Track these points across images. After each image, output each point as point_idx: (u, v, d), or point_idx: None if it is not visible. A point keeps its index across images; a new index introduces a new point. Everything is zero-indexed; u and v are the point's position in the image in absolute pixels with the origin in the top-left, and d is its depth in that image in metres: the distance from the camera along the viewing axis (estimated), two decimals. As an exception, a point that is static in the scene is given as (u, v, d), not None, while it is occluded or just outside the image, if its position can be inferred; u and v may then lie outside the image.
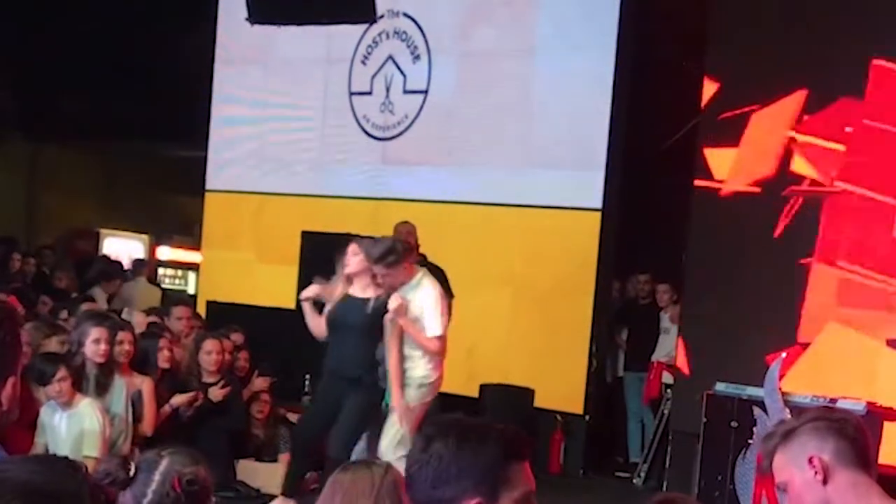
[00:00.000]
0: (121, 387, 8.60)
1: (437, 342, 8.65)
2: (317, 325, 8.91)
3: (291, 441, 9.43)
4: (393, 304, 8.53)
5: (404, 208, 12.32)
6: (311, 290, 9.01)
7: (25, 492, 1.56)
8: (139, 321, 10.56)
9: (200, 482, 3.22)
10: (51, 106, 16.92)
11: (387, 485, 3.34)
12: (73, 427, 7.79)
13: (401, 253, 8.73)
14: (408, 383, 8.68)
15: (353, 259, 8.80)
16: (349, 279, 8.82)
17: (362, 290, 8.78)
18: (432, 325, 8.65)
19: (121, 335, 8.88)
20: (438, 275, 10.72)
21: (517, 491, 2.66)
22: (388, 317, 8.58)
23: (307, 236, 12.24)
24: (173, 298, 14.39)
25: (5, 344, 2.45)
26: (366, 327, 8.70)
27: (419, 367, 8.70)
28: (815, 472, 3.13)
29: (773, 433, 3.32)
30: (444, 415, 2.86)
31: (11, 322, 2.48)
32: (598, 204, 11.98)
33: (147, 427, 8.84)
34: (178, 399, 9.40)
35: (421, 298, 8.67)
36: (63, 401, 7.87)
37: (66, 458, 1.69)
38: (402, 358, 8.61)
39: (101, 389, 8.44)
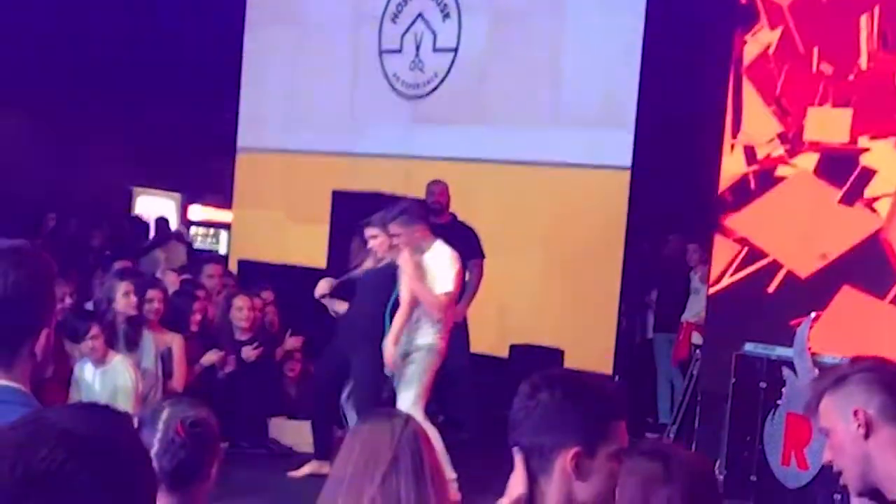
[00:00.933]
0: (150, 342, 8.64)
1: (444, 298, 8.60)
2: (343, 308, 9.09)
3: (311, 401, 9.52)
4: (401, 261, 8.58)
5: (435, 167, 12.28)
6: (323, 287, 9.18)
7: (69, 439, 1.55)
8: (171, 280, 10.60)
9: (204, 425, 3.23)
10: (84, 62, 16.90)
11: (407, 435, 3.31)
12: (107, 383, 7.85)
13: (414, 213, 8.75)
14: (416, 349, 8.66)
15: (375, 241, 8.85)
16: (379, 260, 8.89)
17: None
18: (443, 281, 8.62)
19: (151, 293, 8.91)
20: (469, 234, 10.72)
21: (613, 446, 2.78)
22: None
23: (338, 195, 12.21)
24: (204, 257, 14.45)
25: (40, 296, 2.44)
26: (378, 287, 8.81)
27: (427, 335, 8.67)
28: (859, 426, 3.11)
29: (824, 376, 3.31)
30: (553, 367, 2.93)
31: (46, 274, 2.47)
32: (628, 163, 11.91)
33: (177, 383, 8.87)
34: (208, 358, 9.45)
35: (434, 258, 8.64)
36: (96, 358, 7.93)
37: (107, 406, 1.67)
38: (409, 318, 8.58)
39: (132, 345, 8.48)
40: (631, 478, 3.09)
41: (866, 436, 3.12)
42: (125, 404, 7.70)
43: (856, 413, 3.12)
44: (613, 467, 2.81)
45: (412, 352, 8.63)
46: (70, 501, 1.49)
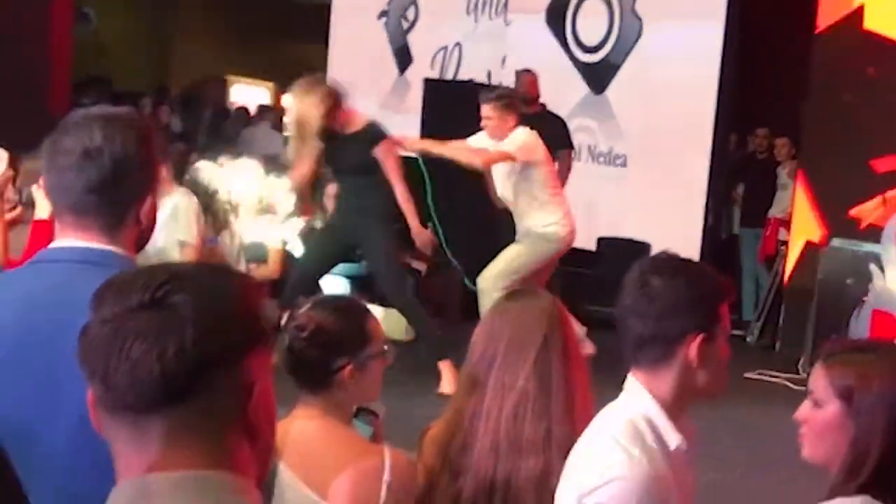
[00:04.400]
0: (234, 227, 8.64)
1: (494, 155, 8.36)
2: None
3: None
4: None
5: (524, 57, 12.10)
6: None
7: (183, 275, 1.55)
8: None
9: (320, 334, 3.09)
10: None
11: (556, 314, 3.25)
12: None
13: (513, 103, 8.57)
14: (527, 234, 8.58)
15: (490, 123, 8.47)
16: None
17: None
18: (507, 144, 8.37)
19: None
20: (559, 125, 10.58)
21: (726, 326, 2.76)
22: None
23: (430, 84, 12.09)
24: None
25: (146, 161, 2.39)
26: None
27: (545, 221, 8.55)
28: None
29: None
30: (657, 254, 2.85)
31: (150, 142, 2.41)
32: (717, 56, 11.62)
33: (273, 269, 8.88)
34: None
35: (515, 134, 8.43)
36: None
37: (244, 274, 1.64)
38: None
39: (223, 226, 8.49)
40: None
41: None
42: (185, 234, 7.65)
43: None
44: (725, 348, 2.76)
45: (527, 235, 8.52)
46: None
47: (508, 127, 8.41)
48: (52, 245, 2.41)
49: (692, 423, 2.85)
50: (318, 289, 8.25)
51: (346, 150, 8.10)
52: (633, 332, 2.74)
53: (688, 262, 2.83)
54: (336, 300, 3.16)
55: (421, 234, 8.33)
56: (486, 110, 8.42)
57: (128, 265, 2.27)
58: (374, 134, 8.16)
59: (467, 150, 8.45)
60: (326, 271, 8.62)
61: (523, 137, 8.38)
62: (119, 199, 2.35)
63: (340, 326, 3.01)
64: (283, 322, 3.06)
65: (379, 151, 8.09)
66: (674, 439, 2.71)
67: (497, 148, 8.39)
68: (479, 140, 8.55)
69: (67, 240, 2.35)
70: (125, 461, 1.55)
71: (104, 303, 1.53)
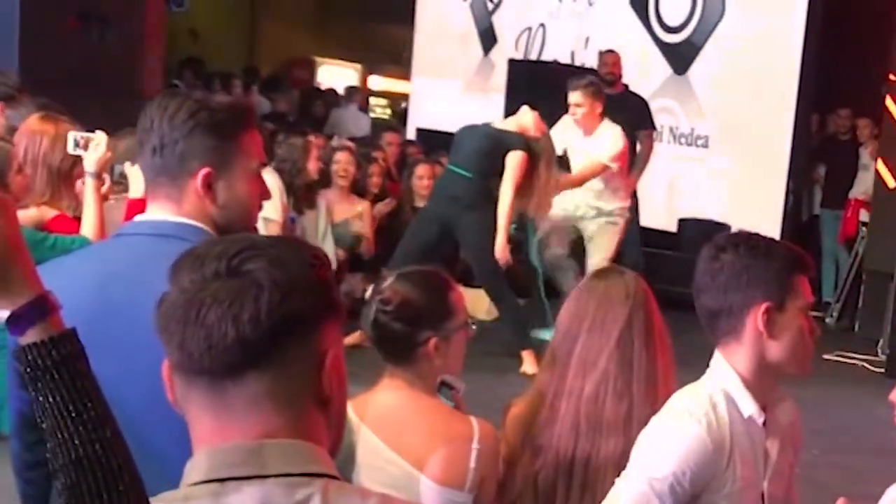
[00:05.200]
0: (323, 207, 8.69)
1: (595, 171, 8.49)
2: None
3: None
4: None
5: (607, 37, 12.05)
6: None
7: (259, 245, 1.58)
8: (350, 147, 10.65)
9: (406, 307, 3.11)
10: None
11: (640, 293, 3.22)
12: None
13: (601, 86, 8.63)
14: (606, 214, 8.68)
15: (581, 110, 8.52)
16: None
17: None
18: (605, 150, 8.47)
19: (338, 155, 8.95)
20: (641, 105, 10.53)
21: (801, 300, 2.75)
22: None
23: (514, 64, 12.07)
24: (383, 125, 14.49)
25: (229, 139, 2.37)
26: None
27: (616, 200, 8.72)
28: None
29: None
30: (733, 231, 2.87)
31: (246, 120, 2.41)
32: (799, 36, 11.49)
33: (368, 247, 8.93)
34: (379, 209, 9.49)
35: (602, 143, 8.52)
36: None
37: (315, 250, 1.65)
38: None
39: (310, 204, 8.55)
40: None
41: None
42: (271, 212, 7.73)
43: None
44: (803, 323, 2.75)
45: (601, 216, 8.63)
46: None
47: (596, 115, 8.53)
48: (136, 218, 2.45)
49: (790, 407, 2.89)
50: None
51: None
52: (705, 307, 2.77)
53: (758, 236, 2.81)
54: (420, 273, 3.14)
55: (503, 251, 8.24)
56: (577, 97, 8.48)
57: (205, 237, 2.28)
58: (519, 145, 8.13)
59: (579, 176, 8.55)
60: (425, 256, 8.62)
61: (619, 145, 8.51)
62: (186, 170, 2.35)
63: (424, 300, 3.01)
64: (367, 295, 3.09)
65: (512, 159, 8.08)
66: (748, 408, 2.73)
67: (585, 146, 8.51)
68: (563, 127, 8.63)
69: (152, 213, 2.38)
70: (201, 428, 1.57)
71: (182, 272, 1.56)
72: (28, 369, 1.60)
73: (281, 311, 1.52)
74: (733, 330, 2.74)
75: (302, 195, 8.58)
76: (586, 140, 8.59)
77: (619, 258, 8.67)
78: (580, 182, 8.55)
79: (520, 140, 8.08)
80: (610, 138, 8.52)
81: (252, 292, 1.52)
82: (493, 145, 8.11)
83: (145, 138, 2.35)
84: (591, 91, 8.53)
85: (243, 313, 1.51)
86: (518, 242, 9.11)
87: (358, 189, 9.30)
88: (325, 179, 8.92)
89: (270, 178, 7.83)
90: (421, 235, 8.37)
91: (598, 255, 8.52)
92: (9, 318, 1.60)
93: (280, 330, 1.53)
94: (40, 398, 1.60)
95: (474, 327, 3.14)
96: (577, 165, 8.61)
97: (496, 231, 8.06)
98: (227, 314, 1.51)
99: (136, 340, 1.91)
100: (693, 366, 2.95)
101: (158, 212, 2.36)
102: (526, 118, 8.27)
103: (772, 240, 2.84)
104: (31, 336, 1.60)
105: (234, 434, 1.55)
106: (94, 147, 4.49)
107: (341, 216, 9.06)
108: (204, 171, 2.33)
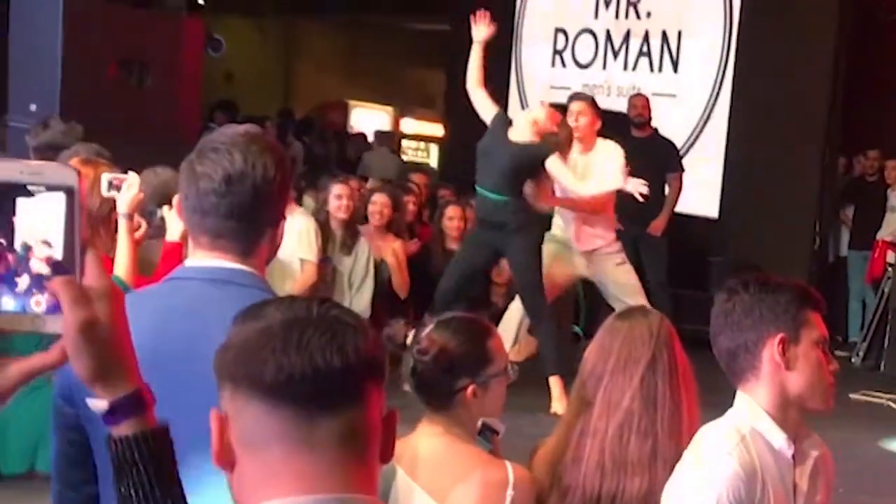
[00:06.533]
0: (365, 247, 8.71)
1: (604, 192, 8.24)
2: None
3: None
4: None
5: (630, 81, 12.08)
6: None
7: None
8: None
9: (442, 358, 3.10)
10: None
11: (664, 334, 3.24)
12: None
13: (595, 103, 8.46)
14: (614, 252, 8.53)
15: (584, 120, 8.30)
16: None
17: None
18: (612, 177, 8.14)
19: (376, 196, 8.99)
20: (670, 148, 10.55)
21: (815, 332, 2.77)
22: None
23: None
24: (412, 167, 14.55)
25: (282, 187, 2.38)
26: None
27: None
28: None
29: None
30: (742, 272, 2.91)
31: (286, 165, 2.40)
32: (828, 77, 11.48)
33: (401, 288, 8.94)
34: (409, 248, 9.51)
35: (606, 157, 8.26)
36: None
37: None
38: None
39: (345, 248, 8.59)
40: None
41: None
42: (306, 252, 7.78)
43: None
44: (819, 356, 2.77)
45: (610, 255, 8.45)
46: None
47: (595, 130, 8.35)
48: (185, 263, 2.44)
49: (818, 441, 2.89)
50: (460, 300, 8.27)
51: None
52: (722, 349, 2.80)
53: (767, 275, 2.86)
54: (459, 320, 3.14)
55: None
56: (579, 105, 8.32)
57: (258, 283, 2.32)
58: (546, 151, 8.00)
59: (591, 199, 8.29)
60: (470, 285, 8.64)
61: (622, 158, 8.25)
62: (257, 224, 2.35)
63: (463, 348, 3.03)
64: (408, 341, 3.11)
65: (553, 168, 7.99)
66: (777, 440, 2.75)
67: (584, 162, 8.27)
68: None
69: (200, 258, 2.36)
70: (272, 464, 1.52)
71: (268, 309, 1.56)
72: (115, 460, 1.61)
73: (372, 352, 1.54)
74: (751, 367, 2.76)
75: (341, 237, 8.61)
76: (585, 156, 8.31)
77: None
78: (593, 207, 8.35)
79: (544, 147, 7.92)
80: (614, 152, 8.27)
81: (350, 329, 1.53)
82: (520, 163, 7.97)
83: (210, 186, 2.32)
84: (592, 103, 8.40)
85: (347, 344, 1.51)
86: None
87: (392, 228, 9.34)
88: (360, 219, 8.96)
89: (304, 219, 7.89)
90: (472, 260, 8.41)
91: (631, 298, 8.02)
92: (107, 409, 1.60)
93: (369, 370, 1.54)
94: (122, 489, 1.61)
95: (513, 372, 3.14)
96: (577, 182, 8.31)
97: (541, 251, 8.09)
98: (331, 343, 1.50)
99: (192, 384, 1.93)
100: (719, 407, 2.95)
101: (218, 258, 2.35)
102: (539, 114, 8.13)
103: (781, 278, 2.88)
104: (123, 429, 1.60)
105: (314, 479, 1.52)
106: (127, 188, 4.55)
107: (376, 255, 9.08)
108: (283, 223, 2.41)
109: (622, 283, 8.46)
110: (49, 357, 1.53)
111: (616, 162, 8.19)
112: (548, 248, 8.36)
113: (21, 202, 1.39)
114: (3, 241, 1.40)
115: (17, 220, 1.40)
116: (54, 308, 1.45)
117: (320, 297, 1.61)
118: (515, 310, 8.61)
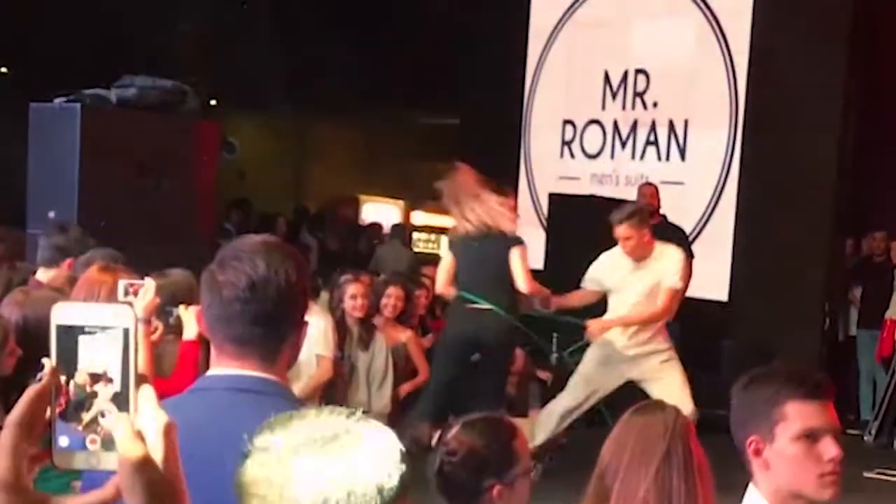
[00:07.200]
0: (382, 342, 8.74)
1: (668, 300, 8.21)
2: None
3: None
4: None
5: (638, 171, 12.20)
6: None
7: None
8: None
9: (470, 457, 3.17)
10: (316, 82, 17.26)
11: (679, 428, 3.24)
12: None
13: (644, 216, 8.38)
14: (662, 351, 8.38)
15: (630, 243, 8.17)
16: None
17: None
18: (672, 278, 8.17)
19: (390, 289, 9.06)
20: (680, 235, 10.60)
21: (796, 425, 2.72)
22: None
23: (554, 199, 12.13)
24: (424, 258, 14.62)
25: (303, 292, 2.42)
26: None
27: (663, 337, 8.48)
28: None
29: None
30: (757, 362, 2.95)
31: (305, 270, 2.46)
32: (834, 159, 11.58)
33: (422, 376, 8.97)
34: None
35: (669, 261, 8.25)
36: None
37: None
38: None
39: (363, 345, 8.63)
40: None
41: None
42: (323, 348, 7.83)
43: None
44: (801, 449, 2.74)
45: (657, 352, 8.33)
46: None
47: (646, 241, 8.24)
48: (209, 373, 2.45)
49: None
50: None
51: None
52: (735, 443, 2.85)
53: (769, 367, 2.87)
54: (485, 421, 3.19)
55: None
56: (624, 230, 8.12)
57: (282, 391, 2.34)
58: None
59: (647, 313, 8.23)
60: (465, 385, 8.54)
61: (682, 262, 8.31)
62: (281, 330, 2.38)
63: (490, 449, 3.07)
64: (433, 443, 3.16)
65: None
66: None
67: (639, 274, 8.22)
68: (612, 262, 8.36)
69: (224, 368, 2.37)
70: None
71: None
72: None
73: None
74: (750, 466, 2.81)
75: (358, 333, 8.65)
76: (639, 267, 8.24)
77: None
78: (657, 317, 8.26)
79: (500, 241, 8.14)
80: (674, 258, 8.26)
81: None
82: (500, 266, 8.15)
83: (233, 294, 2.34)
84: (636, 221, 8.18)
85: None
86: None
87: (403, 320, 9.38)
88: (374, 314, 9.01)
89: (319, 317, 7.95)
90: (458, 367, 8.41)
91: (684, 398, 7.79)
92: None
93: None
94: None
95: (537, 471, 3.18)
96: (632, 298, 8.27)
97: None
98: None
99: (217, 495, 1.97)
100: (734, 489, 2.99)
101: (241, 367, 2.36)
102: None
103: (779, 366, 2.88)
104: None
105: None
106: (143, 294, 4.62)
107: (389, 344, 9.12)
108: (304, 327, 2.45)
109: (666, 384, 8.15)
110: (104, 494, 1.52)
111: (675, 271, 8.22)
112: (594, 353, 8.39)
113: (82, 340, 1.42)
114: (63, 377, 1.41)
115: (79, 358, 1.42)
116: (109, 444, 1.45)
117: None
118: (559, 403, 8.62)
